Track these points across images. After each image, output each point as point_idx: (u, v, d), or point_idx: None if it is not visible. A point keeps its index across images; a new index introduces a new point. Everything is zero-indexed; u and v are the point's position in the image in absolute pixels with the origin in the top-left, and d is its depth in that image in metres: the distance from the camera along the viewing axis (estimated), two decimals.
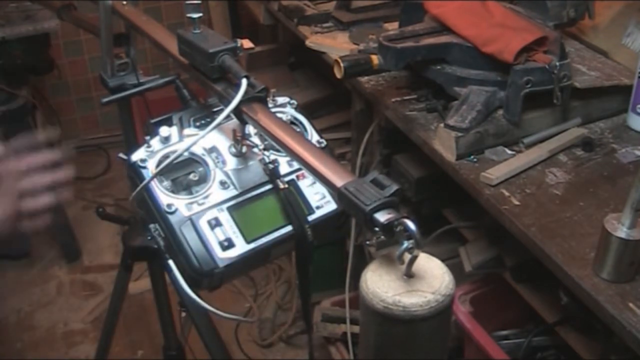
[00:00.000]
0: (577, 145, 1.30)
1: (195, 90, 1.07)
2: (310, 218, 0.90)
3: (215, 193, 0.88)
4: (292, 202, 0.88)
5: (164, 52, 1.01)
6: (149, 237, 0.89)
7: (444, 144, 1.27)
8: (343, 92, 1.95)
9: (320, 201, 0.92)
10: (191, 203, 0.86)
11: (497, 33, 1.30)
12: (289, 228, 0.88)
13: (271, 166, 0.89)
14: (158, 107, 1.07)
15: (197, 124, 0.94)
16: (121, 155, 0.92)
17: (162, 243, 0.88)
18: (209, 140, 0.92)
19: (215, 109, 0.97)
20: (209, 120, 0.94)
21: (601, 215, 1.01)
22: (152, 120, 0.94)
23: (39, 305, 2.51)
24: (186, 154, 0.89)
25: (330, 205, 0.92)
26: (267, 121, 0.81)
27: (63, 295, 2.57)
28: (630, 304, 0.94)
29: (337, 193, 0.68)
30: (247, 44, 0.93)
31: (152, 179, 0.86)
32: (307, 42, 1.78)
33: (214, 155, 0.91)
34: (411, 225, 0.61)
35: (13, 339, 2.37)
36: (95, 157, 3.35)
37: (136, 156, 0.89)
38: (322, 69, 2.24)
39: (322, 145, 0.97)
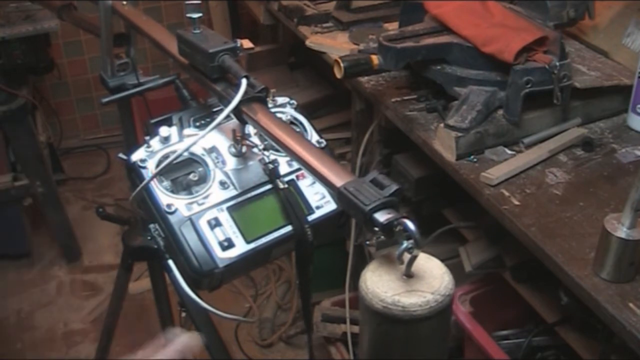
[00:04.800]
0: (577, 145, 1.30)
1: (195, 91, 1.07)
2: (310, 218, 0.90)
3: (215, 193, 0.88)
4: (292, 202, 0.88)
5: (164, 52, 1.01)
6: (149, 237, 0.89)
7: (444, 144, 1.27)
8: (343, 92, 1.95)
9: (320, 201, 0.92)
10: (191, 203, 0.86)
11: (497, 33, 1.30)
12: (288, 228, 0.88)
13: (271, 166, 0.89)
14: (158, 107, 1.06)
15: (197, 124, 0.94)
16: (121, 155, 0.92)
17: (162, 243, 0.88)
18: (209, 141, 0.92)
19: (215, 109, 0.96)
20: (208, 120, 0.94)
21: (601, 215, 1.01)
22: (152, 121, 0.94)
23: (39, 305, 2.51)
24: (186, 154, 0.89)
25: (330, 205, 0.92)
26: (267, 121, 0.81)
27: (63, 295, 2.57)
28: (630, 304, 0.94)
29: (336, 193, 0.68)
30: (247, 44, 0.93)
31: (151, 179, 0.86)
32: (307, 42, 1.78)
33: (213, 155, 0.91)
34: (410, 225, 0.61)
35: (13, 339, 2.37)
36: (95, 157, 3.35)
37: (136, 156, 0.89)
38: (322, 69, 2.24)
39: (322, 145, 0.97)
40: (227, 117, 0.82)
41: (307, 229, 0.87)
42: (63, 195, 2.90)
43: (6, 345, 2.35)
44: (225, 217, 0.86)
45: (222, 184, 0.89)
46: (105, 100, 1.20)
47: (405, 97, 1.45)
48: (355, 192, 0.65)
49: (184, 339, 0.75)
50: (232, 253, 0.85)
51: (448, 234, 1.53)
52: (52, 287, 2.60)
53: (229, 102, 0.81)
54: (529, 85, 1.23)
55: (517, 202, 1.15)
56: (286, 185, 0.89)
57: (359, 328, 0.74)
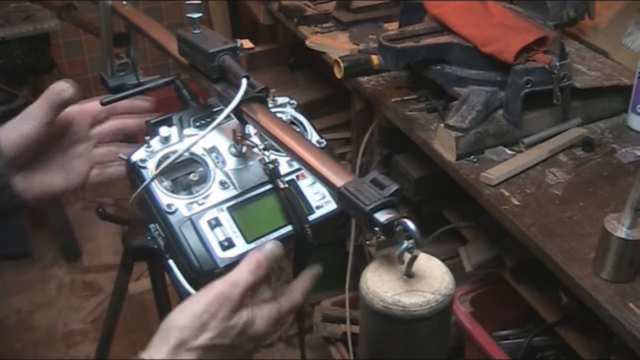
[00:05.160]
0: (577, 145, 1.30)
1: (195, 91, 1.07)
2: (311, 218, 0.90)
3: (215, 193, 0.88)
4: (292, 202, 0.88)
5: (164, 52, 1.01)
6: (149, 237, 0.89)
7: (444, 144, 1.27)
8: (343, 92, 1.95)
9: (320, 201, 0.92)
10: (191, 203, 0.86)
11: (497, 33, 1.30)
12: (289, 228, 0.88)
13: (271, 166, 0.89)
14: (158, 107, 1.06)
15: (197, 124, 0.94)
16: (121, 155, 0.92)
17: (162, 243, 0.88)
18: (209, 141, 0.91)
19: (215, 109, 0.96)
20: (209, 120, 0.94)
21: (601, 215, 1.01)
22: (152, 121, 0.93)
23: (39, 305, 2.51)
24: (186, 154, 0.89)
25: (331, 205, 0.92)
26: (267, 121, 0.81)
27: (63, 295, 2.57)
28: (630, 304, 0.94)
29: (336, 193, 0.68)
30: (247, 44, 0.93)
31: (152, 180, 0.86)
32: (307, 42, 1.78)
33: (214, 155, 0.91)
34: (411, 225, 0.61)
35: (13, 339, 2.37)
36: None
37: (136, 156, 0.89)
38: (322, 69, 2.25)
39: (322, 145, 0.96)
40: (228, 117, 0.82)
41: (307, 229, 0.87)
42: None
43: (6, 345, 2.36)
44: (225, 217, 0.86)
45: (222, 184, 0.89)
46: (105, 100, 1.20)
47: (405, 97, 1.45)
48: (355, 192, 0.65)
49: (269, 246, 0.81)
50: (233, 253, 0.85)
51: (448, 234, 1.53)
52: (52, 287, 2.60)
53: (229, 102, 0.81)
54: (529, 85, 1.23)
55: (517, 202, 1.15)
56: (286, 185, 0.89)
57: (359, 328, 0.74)
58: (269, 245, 0.81)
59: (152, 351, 0.73)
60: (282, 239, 0.88)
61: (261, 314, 0.80)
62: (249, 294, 0.79)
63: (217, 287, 0.76)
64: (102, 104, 1.18)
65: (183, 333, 0.73)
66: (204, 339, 0.73)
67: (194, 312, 0.74)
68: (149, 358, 0.72)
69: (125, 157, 0.90)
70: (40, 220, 2.74)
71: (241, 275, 0.77)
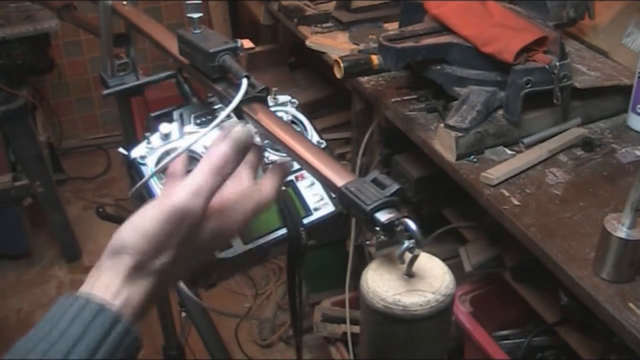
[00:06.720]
0: (577, 145, 1.30)
1: (196, 88, 1.07)
2: (308, 220, 0.89)
3: None
4: (287, 204, 0.88)
5: (164, 52, 1.01)
6: None
7: (444, 144, 1.27)
8: (343, 92, 1.95)
9: (318, 203, 0.92)
10: None
11: (497, 33, 1.30)
12: (285, 230, 0.88)
13: (270, 166, 0.89)
14: (158, 107, 1.06)
15: (198, 121, 0.94)
16: (121, 149, 0.91)
17: None
18: (210, 140, 0.91)
19: (216, 106, 0.96)
20: (209, 118, 0.94)
21: (601, 215, 1.01)
22: (153, 114, 0.93)
23: (39, 305, 2.51)
24: (186, 152, 0.88)
25: (329, 207, 0.92)
26: (268, 121, 0.80)
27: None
28: (630, 304, 0.94)
29: (337, 193, 0.68)
30: (247, 44, 0.93)
31: (152, 175, 0.85)
32: (307, 42, 1.78)
33: None
34: (412, 224, 0.61)
35: (13, 339, 2.37)
36: (95, 157, 3.35)
37: (136, 152, 0.88)
38: (322, 69, 2.25)
39: (322, 145, 0.96)
40: (228, 116, 0.82)
41: (301, 232, 0.86)
42: (63, 195, 2.90)
43: (6, 345, 2.34)
44: None
45: None
46: (105, 92, 1.19)
47: (405, 97, 1.45)
48: (356, 191, 0.65)
49: (236, 131, 0.66)
50: (229, 254, 0.84)
51: (448, 234, 1.53)
52: (52, 287, 2.60)
53: (229, 102, 0.81)
54: (529, 85, 1.23)
55: (517, 202, 1.15)
56: (284, 187, 0.89)
57: (360, 327, 0.74)
58: (237, 130, 0.67)
59: (104, 278, 0.63)
60: (277, 242, 0.88)
61: (233, 219, 0.66)
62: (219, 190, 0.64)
63: (174, 200, 0.60)
64: (103, 96, 1.17)
65: (137, 257, 0.60)
66: (162, 261, 0.61)
67: (147, 233, 0.60)
68: (104, 287, 0.62)
69: (125, 153, 0.90)
70: (40, 220, 2.73)
71: (203, 180, 0.62)
